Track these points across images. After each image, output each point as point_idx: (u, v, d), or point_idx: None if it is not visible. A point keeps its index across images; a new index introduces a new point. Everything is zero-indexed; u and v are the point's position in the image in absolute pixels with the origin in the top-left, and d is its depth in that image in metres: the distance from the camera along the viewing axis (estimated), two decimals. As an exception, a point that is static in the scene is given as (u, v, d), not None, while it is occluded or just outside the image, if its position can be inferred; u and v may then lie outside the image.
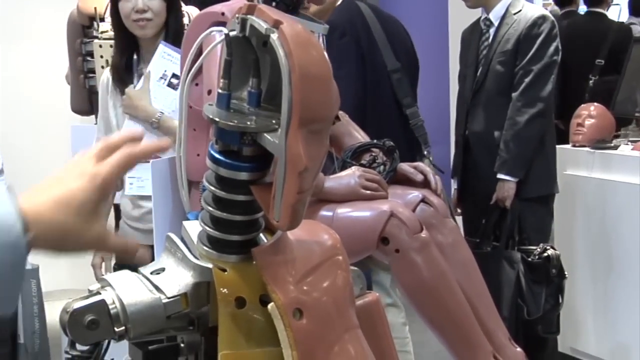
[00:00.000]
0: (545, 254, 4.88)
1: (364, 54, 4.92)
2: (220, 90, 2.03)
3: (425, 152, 4.96)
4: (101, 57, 5.19)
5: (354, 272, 2.19)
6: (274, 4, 3.63)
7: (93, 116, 5.69)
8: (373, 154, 3.73)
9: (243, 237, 2.04)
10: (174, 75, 4.49)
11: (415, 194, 3.59)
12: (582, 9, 8.47)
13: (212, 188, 2.03)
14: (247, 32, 1.97)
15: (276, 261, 2.02)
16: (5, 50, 5.79)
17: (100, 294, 2.01)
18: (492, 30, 5.26)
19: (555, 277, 4.92)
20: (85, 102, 5.66)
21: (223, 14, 3.62)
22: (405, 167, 3.72)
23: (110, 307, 1.99)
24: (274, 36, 1.88)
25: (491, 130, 5.16)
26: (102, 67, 5.10)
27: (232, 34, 2.01)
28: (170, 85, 4.52)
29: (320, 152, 1.94)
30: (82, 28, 5.67)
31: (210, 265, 2.03)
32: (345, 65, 4.90)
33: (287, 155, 1.88)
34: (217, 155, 2.01)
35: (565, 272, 5.07)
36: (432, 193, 3.63)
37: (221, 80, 2.03)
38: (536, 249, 4.88)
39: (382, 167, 3.66)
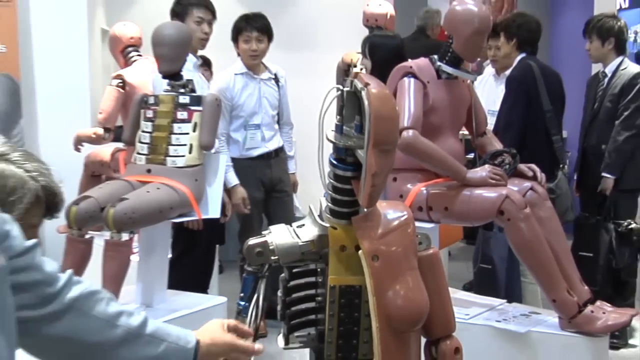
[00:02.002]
0: (630, 226, 4.67)
1: (530, 100, 4.81)
2: (336, 122, 2.08)
3: (561, 166, 4.84)
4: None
5: (423, 234, 2.16)
6: (444, 60, 3.65)
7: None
8: (503, 157, 3.68)
9: (348, 209, 2.08)
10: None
11: (526, 184, 3.57)
12: None
13: (331, 181, 2.09)
14: (352, 88, 2.02)
15: (365, 225, 2.04)
16: (296, 87, 5.78)
17: (265, 236, 2.15)
18: (606, 79, 5.03)
19: (636, 241, 4.71)
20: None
21: (411, 67, 3.67)
22: (522, 166, 3.67)
23: (270, 244, 2.12)
24: (363, 92, 1.93)
25: (600, 145, 4.97)
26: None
27: (345, 89, 2.06)
28: None
29: (388, 163, 1.95)
30: (344, 72, 5.63)
31: (327, 225, 2.10)
32: (517, 107, 4.80)
33: (366, 164, 1.92)
34: (333, 161, 2.07)
35: (644, 239, 4.94)
36: (538, 184, 3.60)
37: (337, 116, 2.08)
38: (624, 223, 4.68)
39: (507, 166, 3.63)
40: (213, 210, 3.89)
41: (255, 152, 5.01)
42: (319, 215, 2.15)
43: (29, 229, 1.85)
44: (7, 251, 1.40)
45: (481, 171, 3.54)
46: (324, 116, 2.09)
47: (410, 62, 3.75)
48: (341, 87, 2.07)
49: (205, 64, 6.10)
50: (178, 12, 4.69)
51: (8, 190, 1.82)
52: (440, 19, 6.50)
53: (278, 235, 2.15)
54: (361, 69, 4.51)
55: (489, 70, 5.74)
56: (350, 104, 2.05)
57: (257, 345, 1.89)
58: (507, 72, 5.16)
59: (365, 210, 2.07)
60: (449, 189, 3.57)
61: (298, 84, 5.73)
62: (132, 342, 1.61)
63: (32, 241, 1.49)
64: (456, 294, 3.92)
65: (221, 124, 4.28)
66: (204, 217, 3.86)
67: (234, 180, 4.81)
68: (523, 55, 4.95)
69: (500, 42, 5.19)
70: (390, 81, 3.69)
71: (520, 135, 4.72)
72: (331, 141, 2.05)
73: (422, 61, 3.72)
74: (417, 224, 3.39)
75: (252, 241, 2.14)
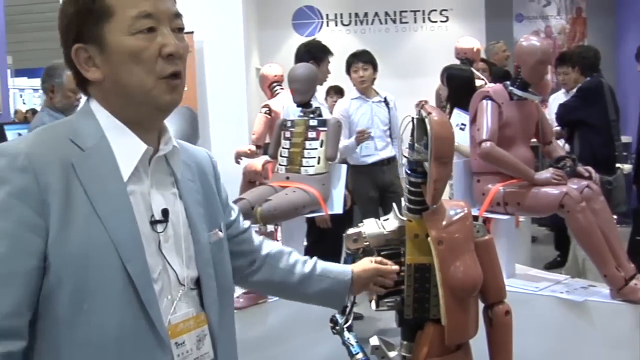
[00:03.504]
0: None
1: (599, 109, 4.78)
2: (409, 142, 2.13)
3: (619, 166, 4.78)
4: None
5: (480, 225, 2.19)
6: (515, 85, 3.68)
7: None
8: (565, 161, 3.67)
9: (420, 207, 2.12)
10: (463, 125, 4.49)
11: (584, 182, 3.56)
12: None
13: (407, 186, 2.15)
14: (420, 116, 2.07)
15: (433, 218, 2.09)
16: (405, 106, 5.84)
17: (360, 227, 2.24)
18: None
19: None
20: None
21: (488, 91, 3.74)
22: (580, 168, 3.66)
23: (363, 233, 2.21)
24: (427, 119, 2.02)
25: None
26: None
27: (415, 117, 2.11)
28: (461, 129, 4.49)
29: (446, 172, 2.02)
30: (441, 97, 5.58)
31: (404, 219, 2.17)
32: (578, 110, 4.81)
33: (429, 173, 2.01)
34: (408, 171, 2.14)
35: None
36: (593, 182, 3.58)
37: (409, 137, 2.14)
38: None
39: (568, 168, 3.61)
40: (337, 207, 4.02)
41: (370, 160, 5.13)
42: (399, 212, 2.22)
43: None
44: (236, 229, 1.68)
45: (546, 173, 3.57)
46: (401, 136, 2.24)
47: (487, 87, 3.83)
48: (412, 116, 2.14)
49: (339, 92, 6.33)
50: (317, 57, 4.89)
51: None
52: (495, 49, 6.62)
53: (369, 227, 2.22)
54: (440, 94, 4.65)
55: (562, 89, 5.74)
56: (419, 128, 2.09)
57: (395, 266, 2.06)
58: (574, 91, 5.17)
59: (434, 207, 2.11)
60: (520, 187, 3.60)
61: (407, 104, 5.77)
62: (306, 281, 1.84)
63: (247, 223, 1.77)
64: (530, 271, 3.96)
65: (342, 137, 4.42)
66: (329, 212, 3.98)
67: None
68: (588, 78, 4.93)
69: (567, 69, 5.18)
70: (472, 103, 3.78)
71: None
72: (405, 156, 2.14)
73: (498, 86, 3.79)
74: (496, 216, 3.53)
75: (350, 231, 2.23)
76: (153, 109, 1.33)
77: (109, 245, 1.23)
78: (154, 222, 1.32)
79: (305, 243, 4.37)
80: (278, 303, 3.71)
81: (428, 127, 2.02)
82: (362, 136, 4.84)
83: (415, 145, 2.12)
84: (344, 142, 4.69)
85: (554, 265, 5.41)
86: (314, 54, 4.88)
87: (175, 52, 1.30)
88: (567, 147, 5.24)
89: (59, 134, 1.29)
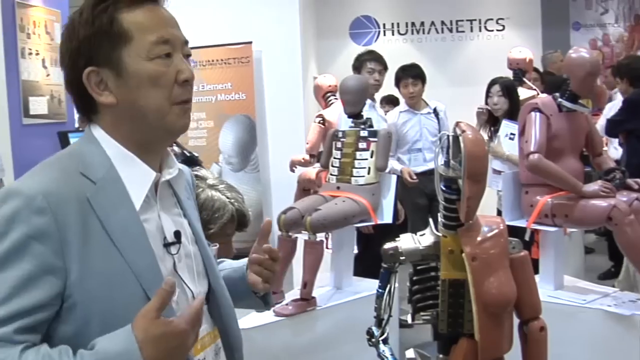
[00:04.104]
0: None
1: None
2: (444, 159, 2.14)
3: None
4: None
5: (516, 241, 2.17)
6: (564, 97, 3.64)
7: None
8: (614, 173, 3.61)
9: (455, 223, 2.13)
10: (512, 134, 4.44)
11: (633, 195, 3.49)
12: None
13: (442, 202, 2.17)
14: (455, 133, 2.07)
15: (468, 234, 2.10)
16: (462, 115, 5.81)
17: (396, 242, 2.26)
18: None
19: None
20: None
21: (537, 103, 3.70)
22: (630, 181, 3.58)
23: (399, 248, 2.23)
24: (461, 137, 2.03)
25: None
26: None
27: (450, 134, 2.10)
28: (511, 139, 4.46)
29: (479, 190, 2.03)
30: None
31: (440, 234, 2.18)
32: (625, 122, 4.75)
33: (463, 190, 2.03)
34: (443, 188, 2.16)
35: None
36: (643, 196, 3.51)
37: (445, 154, 2.14)
38: None
39: (617, 181, 3.56)
40: (387, 216, 4.02)
41: (419, 169, 5.13)
42: (435, 227, 2.23)
43: (224, 237, 2.17)
44: None
45: (594, 185, 3.51)
46: (438, 153, 2.21)
47: (536, 99, 3.80)
48: (447, 133, 2.14)
49: (391, 102, 6.33)
50: (356, 66, 4.97)
51: (214, 209, 2.16)
52: (553, 59, 6.53)
53: (405, 242, 2.25)
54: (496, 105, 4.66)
55: (619, 97, 5.60)
56: (454, 145, 2.10)
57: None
58: None
59: (469, 223, 2.12)
60: (569, 199, 3.55)
61: (462, 113, 5.70)
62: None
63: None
64: (578, 283, 3.89)
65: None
66: (379, 222, 3.99)
67: None
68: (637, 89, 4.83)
69: (618, 80, 5.08)
70: (520, 115, 3.76)
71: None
72: (440, 173, 2.15)
73: (546, 98, 3.75)
74: (544, 227, 3.49)
75: (387, 246, 2.25)
76: (165, 133, 1.34)
77: (130, 277, 1.23)
78: (167, 245, 1.33)
79: (356, 251, 4.39)
80: (326, 311, 3.75)
81: (462, 144, 2.02)
82: (409, 181, 4.93)
83: (451, 162, 2.13)
84: (391, 162, 4.71)
85: (607, 276, 5.29)
86: (354, 64, 5.02)
87: (190, 79, 1.33)
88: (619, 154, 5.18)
89: (68, 168, 1.26)
